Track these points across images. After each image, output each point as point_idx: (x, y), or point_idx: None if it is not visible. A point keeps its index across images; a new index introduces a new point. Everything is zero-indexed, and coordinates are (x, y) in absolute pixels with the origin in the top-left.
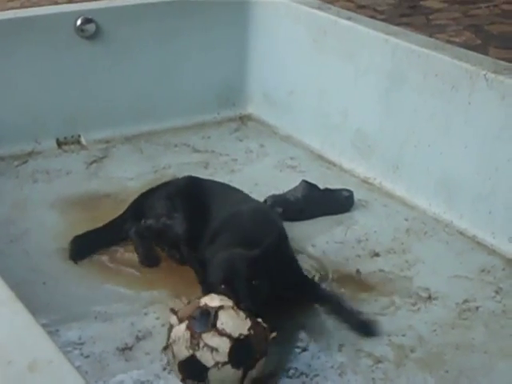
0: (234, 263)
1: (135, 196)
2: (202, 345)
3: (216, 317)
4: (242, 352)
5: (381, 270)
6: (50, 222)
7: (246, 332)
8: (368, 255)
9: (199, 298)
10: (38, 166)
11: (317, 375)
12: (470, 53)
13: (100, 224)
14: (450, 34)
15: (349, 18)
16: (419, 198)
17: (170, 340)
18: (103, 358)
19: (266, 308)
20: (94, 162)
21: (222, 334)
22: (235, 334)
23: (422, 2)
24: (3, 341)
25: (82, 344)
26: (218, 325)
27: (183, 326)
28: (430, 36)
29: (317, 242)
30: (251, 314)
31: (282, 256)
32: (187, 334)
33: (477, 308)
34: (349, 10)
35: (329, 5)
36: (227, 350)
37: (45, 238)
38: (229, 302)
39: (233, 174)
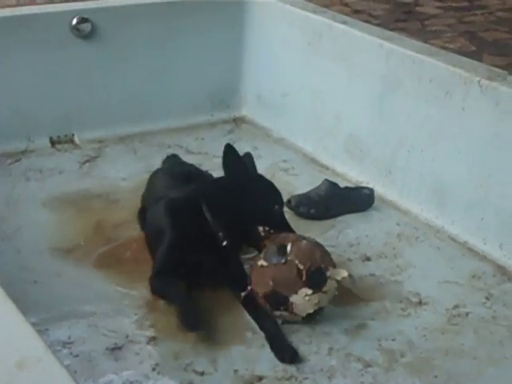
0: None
1: (127, 196)
2: None
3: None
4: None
5: (372, 275)
6: (42, 220)
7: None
8: (359, 259)
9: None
10: (31, 164)
11: (306, 378)
12: (465, 59)
13: (92, 223)
14: (445, 40)
15: (344, 22)
16: (411, 203)
17: None
18: (92, 358)
19: None
20: (87, 161)
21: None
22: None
23: (417, 8)
24: None
25: (71, 343)
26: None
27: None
28: (425, 42)
29: None
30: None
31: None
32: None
33: (467, 314)
34: (344, 14)
35: (324, 8)
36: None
37: (36, 237)
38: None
39: None
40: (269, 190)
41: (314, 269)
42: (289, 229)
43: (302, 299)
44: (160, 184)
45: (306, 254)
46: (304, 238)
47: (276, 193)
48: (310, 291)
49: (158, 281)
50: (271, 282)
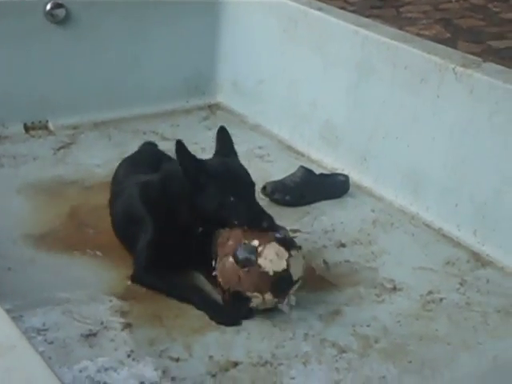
0: (239, 172)
1: (102, 183)
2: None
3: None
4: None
5: (346, 261)
6: (15, 207)
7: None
8: (334, 246)
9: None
10: (5, 150)
11: (281, 364)
12: (440, 46)
13: (66, 209)
14: (420, 27)
15: (319, 9)
16: (386, 189)
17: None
18: (67, 344)
19: None
20: (62, 147)
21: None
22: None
23: None
24: None
25: (46, 330)
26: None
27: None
28: (400, 29)
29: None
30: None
31: None
32: None
33: (441, 300)
34: (320, 0)
35: None
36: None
37: (10, 224)
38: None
39: None
40: (220, 181)
41: (233, 291)
42: (253, 222)
43: None
44: (127, 171)
45: (226, 275)
46: (247, 253)
47: (229, 182)
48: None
49: (149, 274)
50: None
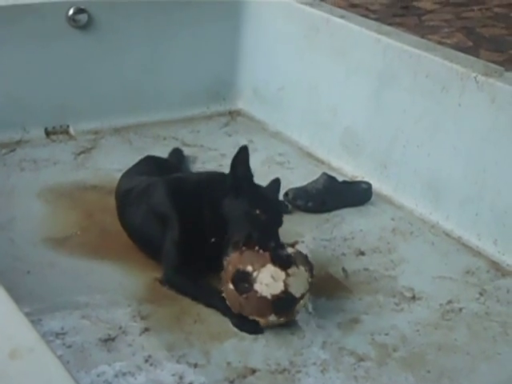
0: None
1: None
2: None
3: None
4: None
5: (366, 269)
6: (36, 211)
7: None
8: (353, 254)
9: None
10: (26, 154)
11: (299, 371)
12: (461, 55)
13: (86, 214)
14: (442, 36)
15: (341, 16)
16: (406, 198)
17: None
18: (85, 349)
19: None
20: (82, 152)
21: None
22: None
23: (414, 3)
24: None
25: (64, 334)
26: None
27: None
28: (422, 37)
29: (303, 239)
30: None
31: None
32: None
33: (460, 309)
34: (341, 8)
35: (321, 2)
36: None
37: (30, 227)
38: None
39: (221, 168)
40: (257, 195)
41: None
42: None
43: None
44: (131, 182)
45: (229, 301)
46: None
47: (264, 200)
48: None
49: (178, 275)
50: None
